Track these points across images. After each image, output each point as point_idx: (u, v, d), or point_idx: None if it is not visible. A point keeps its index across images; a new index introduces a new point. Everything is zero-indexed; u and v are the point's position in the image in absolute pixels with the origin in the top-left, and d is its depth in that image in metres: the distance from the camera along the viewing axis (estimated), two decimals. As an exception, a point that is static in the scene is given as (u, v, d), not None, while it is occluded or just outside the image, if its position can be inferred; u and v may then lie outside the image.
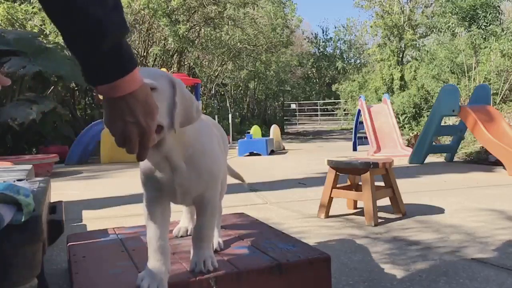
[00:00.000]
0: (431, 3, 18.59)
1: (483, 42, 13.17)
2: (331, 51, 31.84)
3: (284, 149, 11.08)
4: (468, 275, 1.98)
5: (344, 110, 24.02)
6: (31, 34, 11.11)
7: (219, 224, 1.82)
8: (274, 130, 10.94)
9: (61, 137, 9.97)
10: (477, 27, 13.51)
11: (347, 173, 3.36)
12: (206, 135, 1.43)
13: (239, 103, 21.97)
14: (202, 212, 1.48)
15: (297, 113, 27.81)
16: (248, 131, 10.76)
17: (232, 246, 1.80)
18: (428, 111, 13.12)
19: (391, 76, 17.63)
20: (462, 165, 6.66)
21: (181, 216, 1.99)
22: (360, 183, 3.24)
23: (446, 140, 8.37)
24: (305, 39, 31.31)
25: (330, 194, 3.21)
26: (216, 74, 18.20)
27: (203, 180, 1.40)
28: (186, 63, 16.80)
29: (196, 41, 15.18)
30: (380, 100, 13.98)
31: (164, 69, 9.81)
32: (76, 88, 12.44)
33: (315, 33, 32.39)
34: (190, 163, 1.34)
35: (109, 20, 0.79)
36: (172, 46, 14.31)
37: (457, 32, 14.54)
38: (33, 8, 13.73)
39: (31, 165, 3.20)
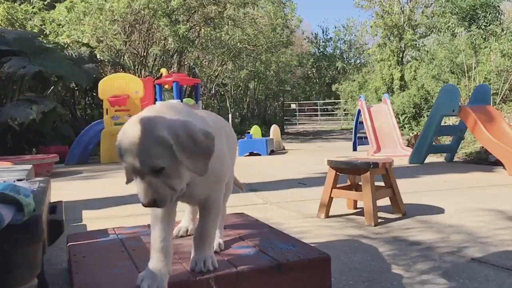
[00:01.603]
0: (431, 3, 18.56)
1: (483, 42, 13.16)
2: (331, 51, 31.83)
3: (284, 149, 11.08)
4: (468, 275, 1.98)
5: (344, 110, 24.00)
6: (31, 34, 11.12)
7: (221, 225, 1.82)
8: (274, 130, 10.94)
9: (61, 137, 9.97)
10: (477, 27, 13.51)
11: (347, 173, 3.36)
12: (217, 137, 1.43)
13: (239, 103, 21.96)
14: (206, 213, 1.48)
15: (297, 113, 27.78)
16: (248, 131, 10.76)
17: (232, 246, 1.80)
18: (428, 111, 13.12)
19: (391, 76, 17.61)
20: (462, 165, 6.66)
21: (182, 217, 1.99)
22: (360, 183, 3.23)
23: (446, 140, 8.37)
24: (305, 39, 31.28)
25: (330, 194, 3.21)
26: (216, 74, 18.19)
27: (209, 183, 1.40)
28: (186, 63, 16.79)
29: (196, 41, 15.17)
30: (380, 100, 13.97)
31: (164, 69, 9.67)
32: (76, 88, 12.44)
33: (315, 33, 32.40)
34: None
35: None
36: (172, 46, 14.30)
37: (457, 32, 14.53)
38: (33, 8, 13.72)
39: (31, 165, 3.20)
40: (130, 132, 1.17)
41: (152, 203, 1.19)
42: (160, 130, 1.18)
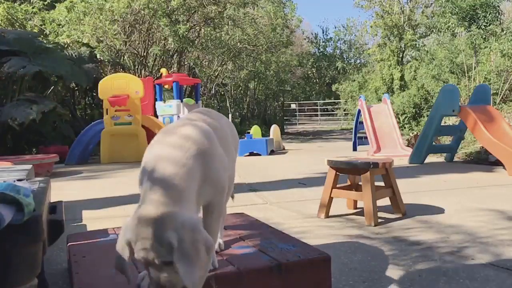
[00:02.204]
0: (431, 3, 18.56)
1: (483, 42, 13.16)
2: (331, 51, 31.80)
3: (284, 149, 11.07)
4: (468, 275, 1.98)
5: (344, 110, 24.00)
6: (31, 34, 11.11)
7: (221, 226, 1.82)
8: (274, 130, 10.94)
9: (61, 137, 9.97)
10: (477, 27, 13.50)
11: (347, 173, 3.36)
12: (220, 141, 1.47)
13: (239, 103, 21.94)
14: (208, 214, 1.49)
15: (297, 113, 27.78)
16: (248, 131, 10.76)
17: (232, 246, 1.80)
18: (428, 111, 13.11)
19: (391, 76, 17.60)
20: (462, 165, 6.65)
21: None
22: (360, 183, 3.23)
23: (446, 140, 8.37)
24: (305, 39, 31.25)
25: (330, 194, 3.20)
26: (216, 74, 18.18)
27: (210, 189, 1.42)
28: (186, 63, 16.78)
29: (196, 41, 15.16)
30: (380, 100, 13.96)
31: (164, 69, 9.65)
32: (76, 88, 12.44)
33: (315, 33, 32.36)
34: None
35: None
36: (172, 46, 14.29)
37: (457, 32, 14.53)
38: (33, 8, 13.72)
39: (31, 165, 3.20)
40: (141, 233, 1.22)
41: None
42: (168, 234, 1.21)
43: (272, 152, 9.84)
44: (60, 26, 13.18)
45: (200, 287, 1.23)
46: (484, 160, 6.68)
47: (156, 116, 9.99)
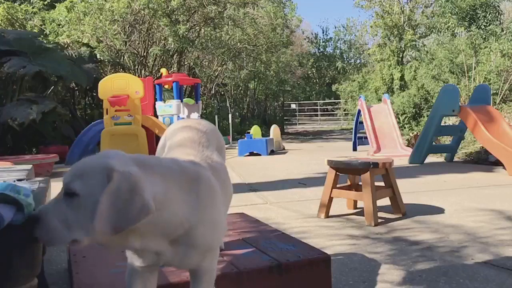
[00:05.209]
0: (431, 3, 18.57)
1: (483, 42, 13.16)
2: (331, 51, 31.85)
3: (284, 149, 11.07)
4: (468, 275, 1.98)
5: (344, 110, 24.01)
6: (31, 34, 11.12)
7: None
8: (274, 130, 10.94)
9: (61, 137, 9.97)
10: (477, 27, 13.51)
11: (347, 173, 3.36)
12: (207, 196, 1.20)
13: (239, 103, 21.94)
14: (196, 281, 1.28)
15: (297, 113, 27.77)
16: (248, 131, 10.76)
17: (232, 246, 1.80)
18: (428, 111, 13.11)
19: (391, 76, 17.60)
20: (462, 165, 6.66)
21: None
22: (360, 183, 3.23)
23: (446, 140, 8.37)
24: (305, 39, 31.29)
25: (330, 194, 3.20)
26: (216, 74, 18.17)
27: (198, 253, 1.21)
28: (186, 63, 16.77)
29: (196, 41, 15.16)
30: (380, 100, 13.97)
31: (164, 69, 9.63)
32: (76, 88, 12.44)
33: (315, 33, 32.41)
34: (182, 239, 1.14)
35: None
36: (172, 46, 14.29)
37: (457, 32, 14.53)
38: (33, 8, 13.73)
39: (31, 165, 3.20)
40: None
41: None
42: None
43: (272, 152, 9.84)
44: (60, 26, 13.18)
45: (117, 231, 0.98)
46: (484, 160, 6.68)
47: (156, 116, 9.99)
